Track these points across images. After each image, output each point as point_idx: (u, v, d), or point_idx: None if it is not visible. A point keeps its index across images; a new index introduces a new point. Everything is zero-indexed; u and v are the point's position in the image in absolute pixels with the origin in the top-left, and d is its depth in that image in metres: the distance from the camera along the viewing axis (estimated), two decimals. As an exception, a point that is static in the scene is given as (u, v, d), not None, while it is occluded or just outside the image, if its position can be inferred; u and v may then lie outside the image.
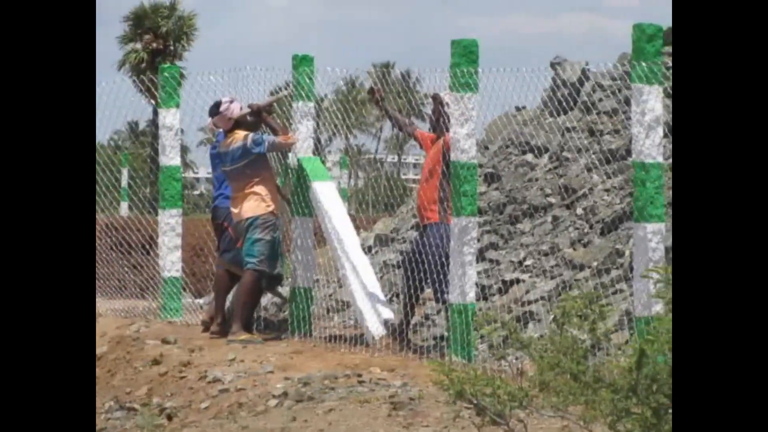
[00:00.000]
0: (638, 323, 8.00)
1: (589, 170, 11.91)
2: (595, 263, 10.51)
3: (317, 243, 10.97)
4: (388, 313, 9.62)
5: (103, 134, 16.34)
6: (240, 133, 10.28)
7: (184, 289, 12.08)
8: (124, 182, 21.26)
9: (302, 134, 10.48)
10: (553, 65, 13.68)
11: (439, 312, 10.59)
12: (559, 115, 13.12)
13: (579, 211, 11.53)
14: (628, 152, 10.71)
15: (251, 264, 10.08)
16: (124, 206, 20.33)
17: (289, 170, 10.66)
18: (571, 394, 5.23)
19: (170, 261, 11.42)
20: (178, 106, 11.57)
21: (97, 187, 13.03)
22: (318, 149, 11.08)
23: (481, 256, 11.14)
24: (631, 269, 8.92)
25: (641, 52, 8.27)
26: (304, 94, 10.50)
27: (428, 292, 10.04)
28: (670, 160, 9.93)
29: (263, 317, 11.17)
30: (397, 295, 10.92)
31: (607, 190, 11.63)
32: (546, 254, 11.04)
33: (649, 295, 7.78)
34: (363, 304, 9.64)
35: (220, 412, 8.27)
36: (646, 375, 5.03)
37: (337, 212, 10.09)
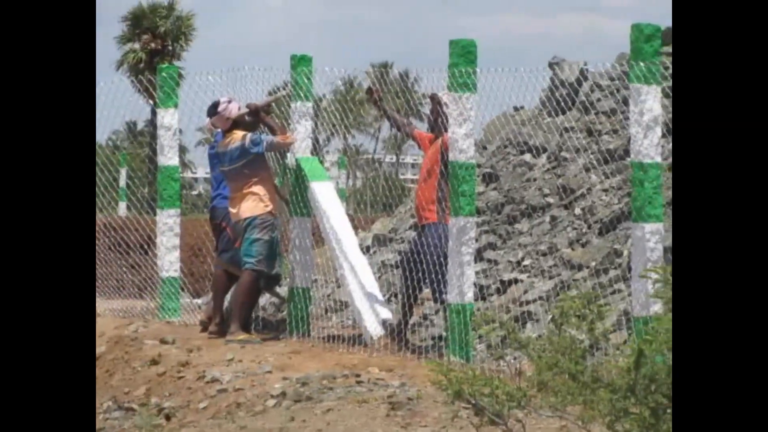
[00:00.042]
0: (636, 323, 8.00)
1: (587, 170, 11.91)
2: (593, 263, 10.51)
3: (315, 243, 10.97)
4: (386, 313, 9.60)
5: (101, 134, 16.28)
6: (238, 133, 10.27)
7: (183, 289, 12.06)
8: (123, 182, 21.24)
9: (300, 134, 10.47)
10: (551, 65, 13.67)
11: (437, 312, 10.59)
12: (557, 115, 13.11)
13: (577, 211, 11.52)
14: (627, 152, 10.71)
15: (249, 264, 10.08)
16: (122, 206, 20.31)
17: (288, 170, 10.65)
18: (569, 394, 5.23)
19: (168, 261, 11.40)
20: (176, 106, 11.56)
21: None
22: (316, 149, 11.08)
23: (479, 256, 11.13)
24: (630, 269, 8.92)
25: (639, 52, 8.27)
26: (302, 94, 10.50)
27: (426, 292, 10.04)
28: (669, 160, 9.93)
29: (261, 317, 11.16)
30: (396, 295, 10.91)
31: (605, 190, 11.62)
32: (544, 254, 11.03)
33: (648, 295, 7.78)
34: (361, 304, 9.63)
35: (219, 412, 8.27)
36: (644, 375, 5.03)
37: (336, 212, 10.08)
